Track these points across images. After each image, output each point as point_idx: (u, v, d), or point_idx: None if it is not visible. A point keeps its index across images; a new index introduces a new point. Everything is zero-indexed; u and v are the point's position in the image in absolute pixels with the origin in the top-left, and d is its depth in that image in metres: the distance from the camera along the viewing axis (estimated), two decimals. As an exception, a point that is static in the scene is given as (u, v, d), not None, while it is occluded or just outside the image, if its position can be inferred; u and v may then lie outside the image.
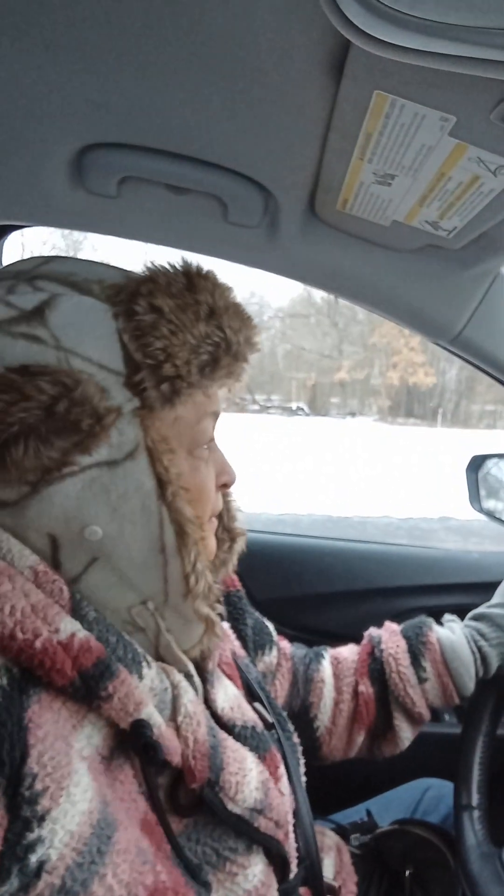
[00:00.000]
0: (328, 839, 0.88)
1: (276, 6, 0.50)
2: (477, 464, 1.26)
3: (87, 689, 0.47)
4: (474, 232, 0.76)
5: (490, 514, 1.23)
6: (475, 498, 1.25)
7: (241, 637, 0.82)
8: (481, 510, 1.24)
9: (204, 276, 0.57)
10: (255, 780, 0.58)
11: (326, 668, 0.92)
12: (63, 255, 0.60)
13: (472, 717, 0.90)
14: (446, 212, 0.71)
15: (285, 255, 0.92)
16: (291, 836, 0.63)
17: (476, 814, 0.84)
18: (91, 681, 0.48)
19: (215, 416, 0.61)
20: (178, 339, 0.52)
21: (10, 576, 0.48)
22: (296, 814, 0.66)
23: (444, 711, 0.92)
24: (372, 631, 0.96)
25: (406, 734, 0.89)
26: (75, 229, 0.95)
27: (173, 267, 0.56)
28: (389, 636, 0.91)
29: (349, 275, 0.93)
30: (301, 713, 0.89)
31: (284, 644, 0.94)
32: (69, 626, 0.48)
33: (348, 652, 0.94)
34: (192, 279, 0.56)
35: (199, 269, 0.57)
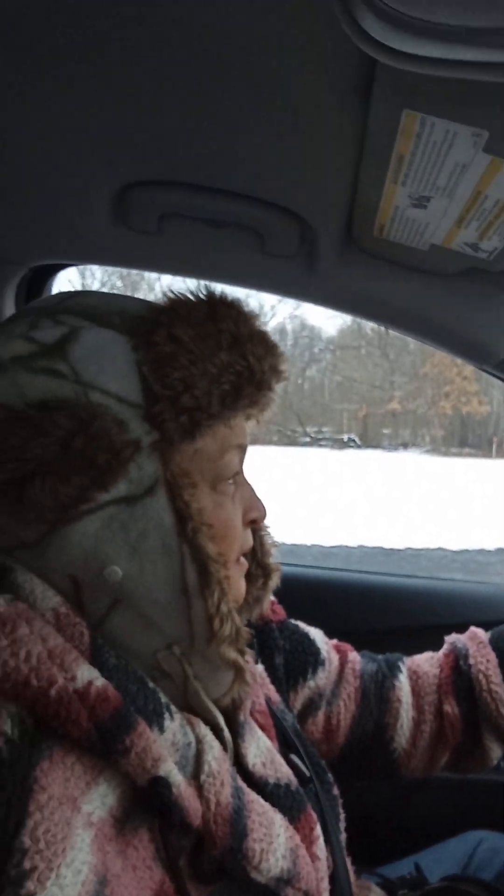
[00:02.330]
0: (373, 895, 0.83)
1: (300, 32, 0.50)
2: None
3: (104, 742, 0.45)
4: (516, 252, 0.73)
5: None
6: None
7: (274, 676, 0.77)
8: None
9: (227, 304, 0.55)
10: (282, 848, 0.53)
11: (404, 686, 0.85)
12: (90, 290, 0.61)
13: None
14: (485, 232, 0.69)
15: (324, 284, 0.91)
16: None
17: (536, 874, 0.78)
18: (107, 733, 0.45)
19: (241, 448, 0.59)
20: (198, 369, 0.51)
21: (28, 619, 0.46)
22: (333, 877, 0.62)
23: (500, 759, 0.85)
24: (455, 639, 0.88)
25: (496, 752, 0.82)
26: (117, 266, 0.97)
27: (196, 296, 0.55)
28: (477, 648, 0.84)
29: (390, 301, 0.92)
30: (376, 735, 0.83)
31: (353, 657, 0.87)
32: (86, 674, 0.46)
33: (428, 664, 0.87)
34: (215, 307, 0.54)
35: (222, 297, 0.56)
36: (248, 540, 0.63)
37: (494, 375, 1.02)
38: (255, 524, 0.63)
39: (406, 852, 1.04)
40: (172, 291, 0.56)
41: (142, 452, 0.50)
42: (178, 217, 0.83)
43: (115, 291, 0.62)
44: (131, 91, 0.62)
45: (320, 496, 9.46)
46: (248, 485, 0.62)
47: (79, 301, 0.56)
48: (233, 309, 0.55)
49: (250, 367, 0.53)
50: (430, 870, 0.93)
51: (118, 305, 0.56)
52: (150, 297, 0.60)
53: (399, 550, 6.59)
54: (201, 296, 0.56)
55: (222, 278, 0.95)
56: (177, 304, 0.54)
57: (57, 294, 0.59)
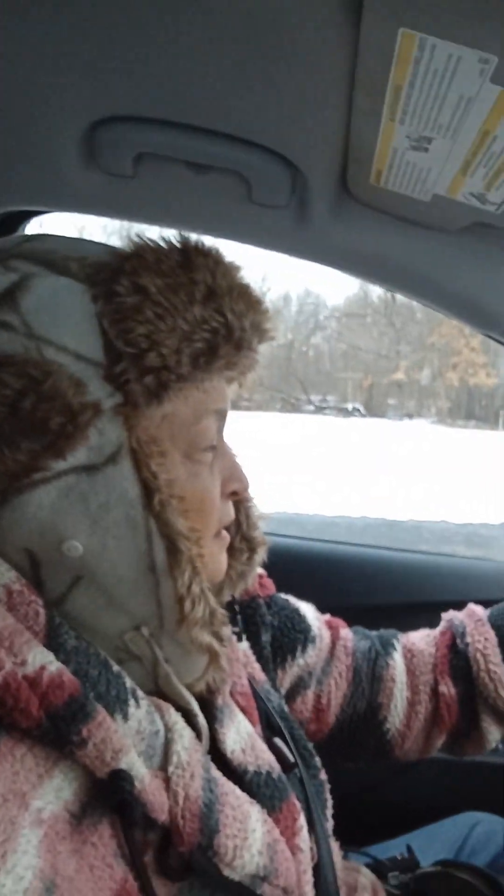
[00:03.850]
0: (363, 878, 0.80)
1: None
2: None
3: (58, 732, 0.41)
4: (527, 204, 0.67)
5: None
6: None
7: (259, 655, 0.74)
8: None
9: (203, 253, 0.50)
10: (258, 843, 0.50)
11: (398, 664, 0.82)
12: (48, 232, 0.54)
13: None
14: (493, 181, 0.63)
15: (317, 237, 0.85)
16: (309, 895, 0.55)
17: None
18: (61, 722, 0.41)
19: (220, 414, 0.54)
20: (166, 325, 0.45)
21: None
22: (317, 868, 0.58)
23: (498, 740, 0.82)
24: (452, 617, 0.85)
25: (494, 735, 0.79)
26: (91, 213, 0.90)
27: (168, 243, 0.49)
28: (475, 626, 0.80)
29: (388, 259, 0.85)
30: (368, 715, 0.80)
31: (345, 634, 0.84)
32: (39, 658, 0.42)
33: (423, 642, 0.84)
34: (189, 256, 0.49)
35: (197, 245, 0.50)
36: (229, 513, 0.58)
37: (500, 342, 0.96)
38: (236, 496, 0.58)
39: (396, 832, 1.02)
40: (139, 236, 0.50)
41: (103, 416, 0.45)
42: (157, 158, 0.76)
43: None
44: (104, 15, 0.55)
45: (324, 465, 9.44)
46: (230, 454, 0.57)
47: (34, 245, 0.50)
48: (209, 258, 0.50)
49: (228, 323, 0.48)
50: (422, 852, 0.90)
51: (77, 250, 0.50)
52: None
53: (402, 522, 6.58)
54: (174, 243, 0.50)
55: (205, 229, 0.89)
56: (144, 251, 0.49)
57: (11, 237, 0.53)
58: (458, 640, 0.81)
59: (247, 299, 0.51)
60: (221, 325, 0.48)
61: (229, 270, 0.51)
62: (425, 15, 0.43)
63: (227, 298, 0.49)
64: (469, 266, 0.85)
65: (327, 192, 0.77)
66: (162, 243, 0.50)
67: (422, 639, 0.85)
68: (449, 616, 0.86)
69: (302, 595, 0.84)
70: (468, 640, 0.80)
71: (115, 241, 0.52)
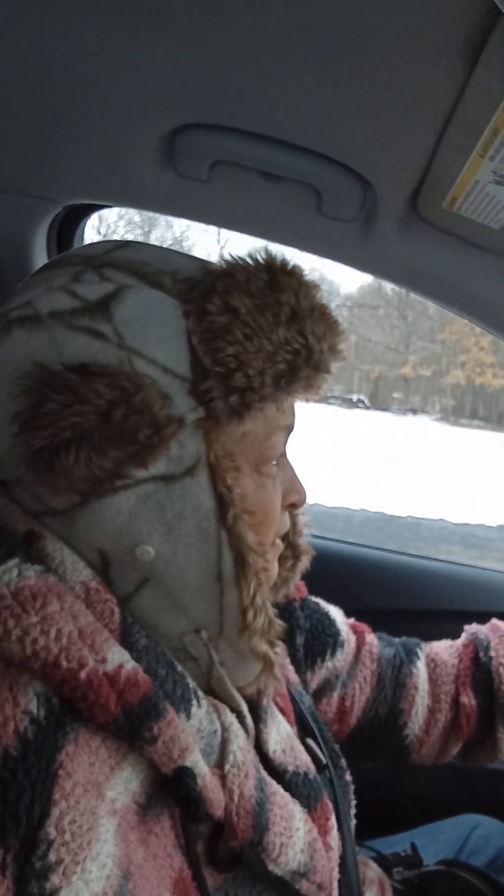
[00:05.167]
0: (371, 871, 0.83)
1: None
2: None
3: (131, 728, 0.43)
4: None
5: None
6: None
7: (293, 657, 0.76)
8: None
9: (288, 273, 0.50)
10: (301, 842, 0.52)
11: (421, 673, 0.84)
12: (138, 240, 0.55)
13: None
14: None
15: (380, 253, 0.86)
16: (336, 891, 0.58)
17: (534, 871, 0.78)
18: (135, 719, 0.43)
19: (288, 430, 0.55)
20: (253, 346, 0.46)
21: (59, 594, 0.44)
22: (342, 865, 0.61)
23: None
24: (476, 630, 0.87)
25: None
26: (164, 213, 0.91)
27: (255, 260, 0.50)
28: (499, 641, 0.83)
29: (447, 278, 0.87)
30: (389, 720, 0.83)
31: (370, 640, 0.86)
32: (117, 656, 0.44)
33: (447, 653, 0.86)
34: (276, 276, 0.49)
35: (283, 265, 0.50)
36: (286, 523, 0.60)
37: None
38: (293, 508, 0.60)
39: (399, 828, 1.04)
40: (231, 255, 0.51)
41: (185, 430, 0.47)
42: (232, 166, 0.76)
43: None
44: (194, 27, 0.56)
45: (325, 455, 9.44)
46: (290, 466, 0.59)
47: (127, 255, 0.51)
48: (293, 278, 0.50)
49: (308, 346, 0.49)
50: (424, 849, 0.94)
51: (171, 264, 0.51)
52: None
53: (401, 518, 6.61)
54: (260, 260, 0.50)
55: (272, 236, 0.90)
56: (234, 269, 0.49)
57: (102, 243, 0.54)
58: (482, 654, 0.83)
59: (326, 321, 0.51)
60: (302, 347, 0.49)
61: (310, 290, 0.51)
62: (543, 72, 0.45)
63: (308, 321, 0.49)
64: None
65: (396, 210, 0.78)
66: (249, 260, 0.50)
67: (445, 649, 0.87)
68: (473, 629, 0.88)
69: (322, 595, 0.85)
70: (492, 653, 0.82)
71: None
